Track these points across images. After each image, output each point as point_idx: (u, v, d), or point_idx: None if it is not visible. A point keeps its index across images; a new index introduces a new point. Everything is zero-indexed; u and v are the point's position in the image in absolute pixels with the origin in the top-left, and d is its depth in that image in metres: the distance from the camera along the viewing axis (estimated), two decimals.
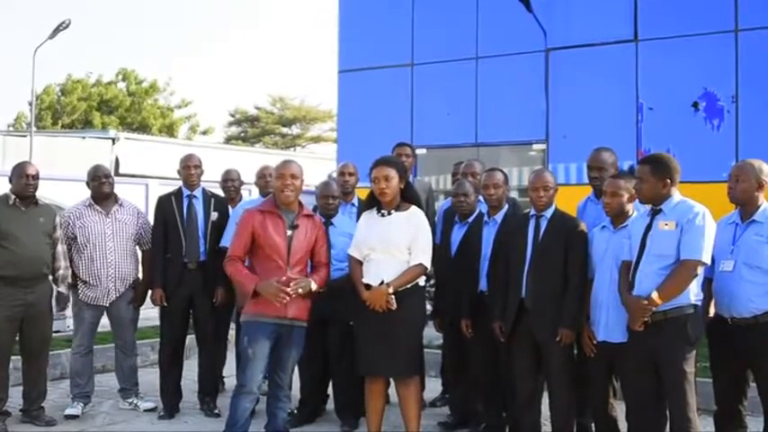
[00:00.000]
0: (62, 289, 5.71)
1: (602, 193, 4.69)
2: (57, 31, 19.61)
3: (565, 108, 11.34)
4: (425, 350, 5.30)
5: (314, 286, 4.64)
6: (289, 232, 4.63)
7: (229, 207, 6.21)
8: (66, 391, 6.10)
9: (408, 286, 4.67)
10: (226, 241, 5.65)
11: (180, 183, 6.10)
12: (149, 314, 6.59)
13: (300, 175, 4.70)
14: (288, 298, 4.49)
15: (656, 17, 10.82)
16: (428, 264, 4.75)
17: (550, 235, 4.77)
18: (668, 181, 4.23)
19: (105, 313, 5.97)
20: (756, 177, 4.33)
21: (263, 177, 6.25)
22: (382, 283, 4.63)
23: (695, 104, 10.52)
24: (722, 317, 4.36)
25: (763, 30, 10.16)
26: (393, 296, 4.59)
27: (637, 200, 4.51)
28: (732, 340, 4.31)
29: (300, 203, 4.76)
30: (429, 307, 5.50)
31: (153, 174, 16.52)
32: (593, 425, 4.89)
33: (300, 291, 4.54)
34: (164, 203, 6.01)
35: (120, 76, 39.58)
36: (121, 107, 38.01)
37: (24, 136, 21.41)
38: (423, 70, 12.47)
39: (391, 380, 4.97)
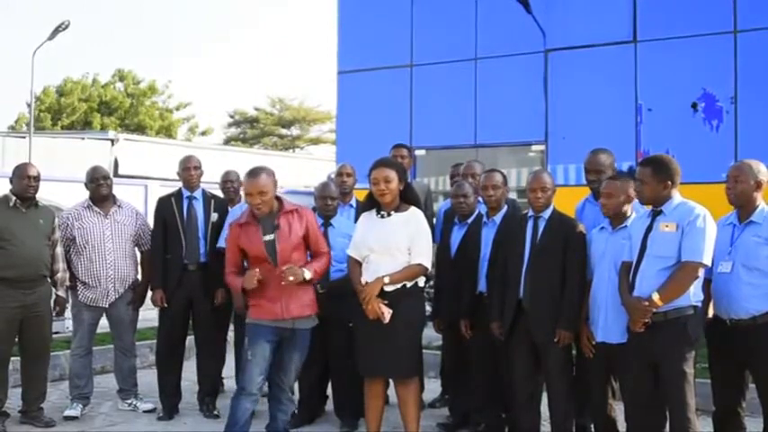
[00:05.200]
0: (60, 293, 5.71)
1: (600, 195, 4.70)
2: (56, 32, 19.60)
3: (564, 109, 11.36)
4: (425, 351, 5.31)
5: (307, 275, 4.59)
6: (269, 237, 4.60)
7: (229, 208, 6.21)
8: (66, 392, 6.10)
9: (408, 286, 4.67)
10: (222, 242, 5.66)
11: (180, 184, 6.11)
12: (148, 315, 6.59)
13: (269, 186, 4.58)
14: (256, 279, 4.49)
15: (654, 18, 10.84)
16: (428, 264, 4.75)
17: (548, 236, 4.78)
18: (669, 182, 4.23)
19: (104, 314, 5.98)
20: (754, 178, 4.33)
21: None
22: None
23: (694, 105, 10.54)
24: (721, 318, 4.37)
25: (761, 30, 10.18)
26: (388, 309, 4.56)
27: (636, 201, 4.52)
28: (731, 341, 4.32)
29: (280, 200, 4.72)
30: (428, 308, 5.51)
31: (152, 175, 16.50)
32: (592, 425, 4.90)
33: (291, 279, 4.50)
34: (164, 204, 6.01)
35: (117, 77, 39.58)
36: (121, 108, 38.03)
37: (24, 137, 21.38)
38: (422, 71, 12.49)
39: (390, 380, 4.97)
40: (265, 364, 4.59)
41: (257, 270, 4.54)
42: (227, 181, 6.56)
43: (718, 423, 4.53)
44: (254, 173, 4.60)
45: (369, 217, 4.86)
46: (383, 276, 4.60)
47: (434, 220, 6.34)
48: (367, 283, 4.67)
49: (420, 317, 4.85)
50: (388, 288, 4.62)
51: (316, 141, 42.15)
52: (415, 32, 12.54)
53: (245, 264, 4.78)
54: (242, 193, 6.72)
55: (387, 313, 4.56)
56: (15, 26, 61.35)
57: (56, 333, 6.34)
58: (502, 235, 5.10)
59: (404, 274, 4.64)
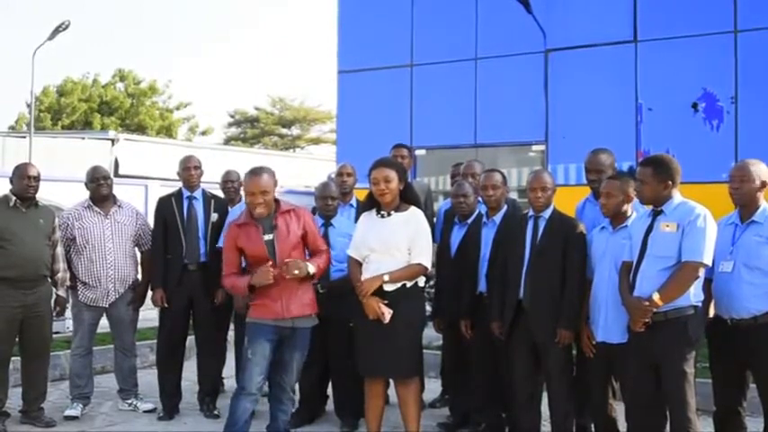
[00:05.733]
0: (61, 292, 5.71)
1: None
2: (56, 32, 19.59)
3: (564, 109, 11.36)
4: (425, 351, 5.30)
5: (311, 269, 4.62)
6: (268, 236, 4.60)
7: (229, 208, 6.21)
8: (66, 392, 6.10)
9: (408, 286, 4.67)
10: (222, 242, 5.65)
11: (180, 184, 6.11)
12: (149, 315, 6.59)
13: (270, 186, 4.59)
14: (271, 274, 4.47)
15: (655, 18, 10.84)
16: (428, 264, 4.75)
17: (548, 236, 4.78)
18: (669, 182, 4.23)
19: (105, 314, 5.98)
20: (759, 177, 4.32)
21: None
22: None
23: (694, 105, 10.53)
24: (722, 318, 4.36)
25: (762, 30, 10.18)
26: (388, 309, 4.56)
27: (636, 200, 4.51)
28: (732, 341, 4.32)
29: (277, 201, 4.72)
30: (428, 308, 5.51)
31: (152, 175, 16.49)
32: (592, 425, 4.90)
33: (296, 272, 4.51)
34: (164, 204, 6.02)
35: (118, 77, 39.58)
36: (121, 108, 38.03)
37: (24, 137, 21.38)
38: (422, 71, 12.49)
39: (391, 380, 4.97)
40: (265, 363, 4.59)
41: (270, 263, 4.52)
42: (228, 181, 6.56)
43: (719, 423, 4.52)
44: (256, 172, 4.61)
45: (369, 217, 4.86)
46: (383, 274, 4.60)
47: (434, 219, 6.34)
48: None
49: (420, 317, 4.85)
50: (388, 288, 4.62)
51: (316, 141, 42.15)
52: (415, 32, 12.53)
53: (243, 265, 4.78)
54: (242, 192, 6.74)
55: (387, 313, 4.56)
56: (15, 26, 61.40)
57: (56, 333, 6.34)
58: (502, 235, 5.10)
59: (403, 273, 4.64)
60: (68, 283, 5.78)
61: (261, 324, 4.58)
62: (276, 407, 4.78)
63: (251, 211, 4.64)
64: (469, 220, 5.43)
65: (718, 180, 9.04)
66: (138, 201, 11.62)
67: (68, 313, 6.09)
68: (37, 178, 5.58)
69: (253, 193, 4.57)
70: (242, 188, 6.61)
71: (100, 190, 5.94)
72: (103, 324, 6.09)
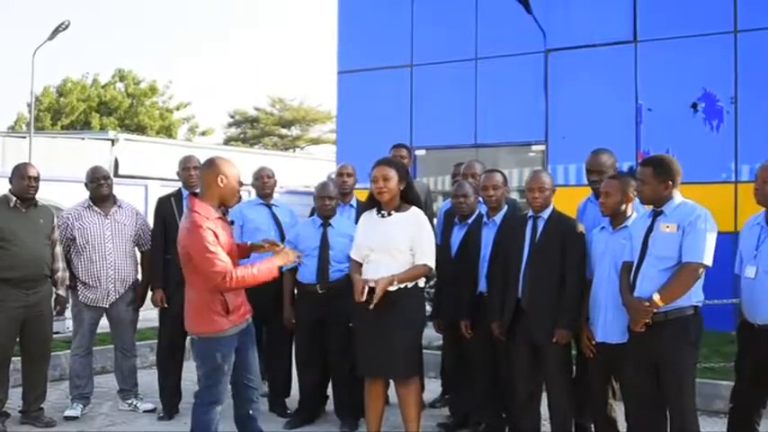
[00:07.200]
0: (61, 292, 5.72)
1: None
2: (56, 32, 19.60)
3: (564, 109, 11.33)
4: (425, 351, 5.31)
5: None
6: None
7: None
8: (66, 392, 6.10)
9: (408, 286, 4.66)
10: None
11: (179, 184, 6.11)
12: (149, 315, 6.59)
13: None
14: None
15: (655, 18, 10.81)
16: (433, 264, 4.74)
17: (547, 236, 4.78)
18: (670, 183, 4.22)
19: (105, 314, 5.97)
20: None
21: (259, 179, 6.27)
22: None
23: (694, 105, 10.51)
24: (748, 321, 4.34)
25: (762, 31, 10.15)
26: (387, 306, 4.50)
27: (637, 200, 4.51)
28: (757, 344, 4.27)
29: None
30: (428, 308, 5.51)
31: (152, 175, 16.47)
32: (592, 425, 4.89)
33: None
34: (163, 205, 6.02)
35: (117, 77, 39.58)
36: (120, 109, 38.02)
37: (24, 137, 21.37)
38: (422, 71, 12.46)
39: (391, 381, 4.97)
40: None
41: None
42: None
43: (733, 421, 4.47)
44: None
45: (369, 216, 4.86)
46: (392, 277, 4.53)
47: (434, 220, 6.34)
48: (375, 283, 4.52)
49: (420, 317, 4.85)
50: (391, 287, 4.60)
51: (316, 141, 42.16)
52: (415, 32, 12.50)
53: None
54: (242, 193, 6.72)
55: (366, 294, 4.47)
56: (15, 26, 61.39)
57: (56, 333, 6.34)
58: (502, 235, 5.11)
59: (409, 274, 4.63)
60: (68, 282, 5.78)
61: (234, 335, 4.31)
62: (250, 407, 4.49)
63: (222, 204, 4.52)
64: (470, 221, 5.43)
65: (718, 180, 9.05)
66: (138, 201, 11.62)
67: (68, 313, 6.09)
68: (37, 178, 5.59)
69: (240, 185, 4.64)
70: (241, 188, 6.64)
71: (100, 190, 5.94)
72: (103, 324, 6.09)
